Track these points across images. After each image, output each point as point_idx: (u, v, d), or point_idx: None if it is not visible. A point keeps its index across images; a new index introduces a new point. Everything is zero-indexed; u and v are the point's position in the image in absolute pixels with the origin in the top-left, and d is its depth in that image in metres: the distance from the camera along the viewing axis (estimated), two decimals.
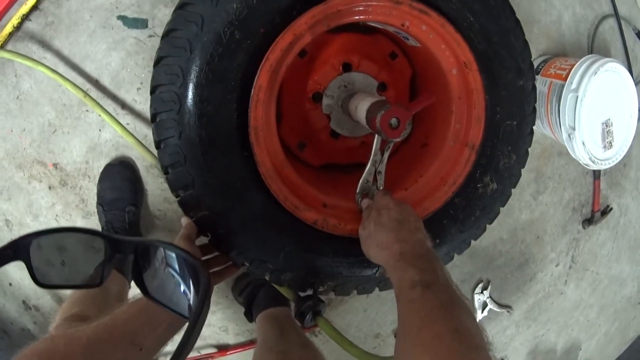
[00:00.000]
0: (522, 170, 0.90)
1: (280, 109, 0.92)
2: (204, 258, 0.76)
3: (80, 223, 1.05)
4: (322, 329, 0.85)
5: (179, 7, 0.70)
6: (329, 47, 0.93)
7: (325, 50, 0.93)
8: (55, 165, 1.01)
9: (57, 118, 0.98)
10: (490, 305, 1.35)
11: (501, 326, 1.41)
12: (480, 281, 1.33)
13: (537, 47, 1.23)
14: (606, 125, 1.11)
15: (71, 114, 0.98)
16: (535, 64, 1.22)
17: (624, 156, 1.15)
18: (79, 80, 0.96)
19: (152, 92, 0.71)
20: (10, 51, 0.90)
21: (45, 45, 0.95)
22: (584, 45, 1.27)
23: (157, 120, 0.71)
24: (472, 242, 0.91)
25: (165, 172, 0.73)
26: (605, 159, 1.13)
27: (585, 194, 1.37)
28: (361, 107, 0.83)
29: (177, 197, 0.74)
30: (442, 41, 0.82)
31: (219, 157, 0.72)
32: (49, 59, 0.95)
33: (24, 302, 1.09)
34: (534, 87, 0.86)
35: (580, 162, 1.12)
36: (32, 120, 0.97)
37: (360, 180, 0.84)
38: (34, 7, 0.91)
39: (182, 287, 0.44)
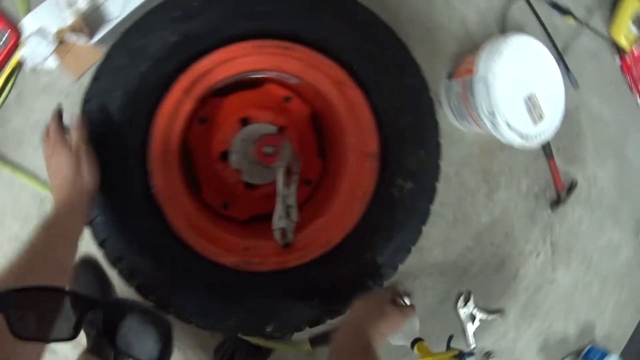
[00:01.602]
0: (468, 174, 0.99)
1: (199, 175, 1.00)
2: None
3: None
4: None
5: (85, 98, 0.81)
6: (225, 108, 1.00)
7: (222, 112, 1.00)
8: None
9: (21, 230, 1.07)
10: (479, 315, 1.31)
11: (499, 332, 1.36)
12: (459, 294, 1.29)
13: (446, 53, 1.22)
14: (530, 100, 1.09)
15: (33, 224, 1.04)
16: (447, 70, 1.21)
17: (574, 126, 1.11)
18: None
19: None
20: None
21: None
22: (496, 34, 1.26)
23: None
24: (438, 255, 1.02)
25: (102, 248, 0.81)
26: (540, 132, 1.10)
27: (544, 177, 1.34)
28: None
29: (118, 272, 0.81)
30: (315, 69, 0.87)
31: (132, 220, 0.81)
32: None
33: None
34: (424, 82, 0.89)
35: (514, 144, 1.09)
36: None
37: (273, 219, 0.88)
38: None
39: (147, 337, 0.49)
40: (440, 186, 1.22)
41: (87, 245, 0.79)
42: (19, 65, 1.05)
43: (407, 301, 0.89)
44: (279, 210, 0.89)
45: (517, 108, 1.08)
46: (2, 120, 1.06)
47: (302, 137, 1.03)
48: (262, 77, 0.99)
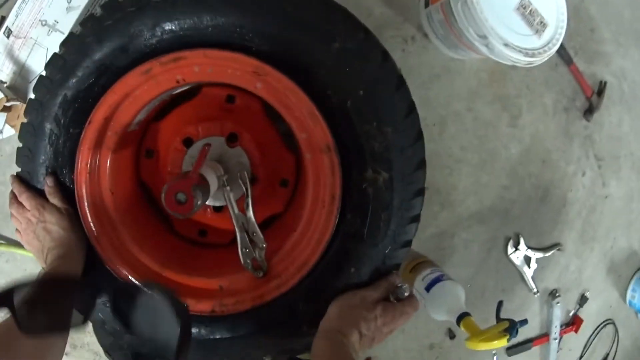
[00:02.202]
0: (484, 108, 0.84)
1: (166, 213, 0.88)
2: None
3: None
4: None
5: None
6: (164, 133, 0.90)
7: (163, 138, 0.90)
8: None
9: None
10: (534, 256, 1.17)
11: (561, 266, 1.23)
12: (507, 239, 1.16)
13: None
14: (524, 8, 0.91)
15: None
16: None
17: (584, 21, 0.94)
18: None
19: None
20: None
21: None
22: None
23: None
24: (472, 203, 0.94)
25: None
26: (547, 41, 0.93)
27: (568, 86, 1.17)
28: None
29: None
30: (228, 67, 0.73)
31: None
32: None
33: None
34: (366, 40, 0.71)
35: (522, 65, 0.93)
36: None
37: (239, 251, 0.79)
38: None
39: (166, 322, 0.46)
40: (454, 128, 1.09)
41: None
42: None
43: (406, 293, 0.77)
44: (241, 242, 0.79)
45: (511, 22, 0.89)
46: None
47: (260, 136, 0.88)
48: (192, 86, 0.86)
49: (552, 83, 1.15)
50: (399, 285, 0.77)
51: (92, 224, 0.80)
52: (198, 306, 0.80)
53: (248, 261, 0.80)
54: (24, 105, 0.97)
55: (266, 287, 0.80)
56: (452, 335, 1.16)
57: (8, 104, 0.99)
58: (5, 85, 0.98)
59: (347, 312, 0.72)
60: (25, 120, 0.79)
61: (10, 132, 1.03)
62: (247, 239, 0.79)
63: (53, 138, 0.78)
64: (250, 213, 0.79)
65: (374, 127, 0.72)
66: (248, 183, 0.80)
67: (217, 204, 0.89)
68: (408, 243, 0.79)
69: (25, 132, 0.79)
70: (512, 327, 0.80)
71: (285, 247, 0.82)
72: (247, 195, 0.80)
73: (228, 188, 0.79)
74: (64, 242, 0.75)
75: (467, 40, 0.94)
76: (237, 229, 0.79)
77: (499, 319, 0.84)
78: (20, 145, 0.80)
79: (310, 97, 0.72)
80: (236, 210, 0.79)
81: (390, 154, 0.73)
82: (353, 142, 0.73)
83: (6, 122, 1.02)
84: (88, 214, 0.80)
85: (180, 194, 0.69)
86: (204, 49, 0.72)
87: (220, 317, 0.80)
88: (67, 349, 1.05)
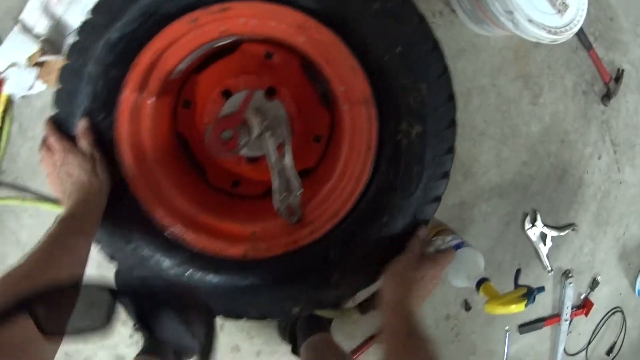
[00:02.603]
0: (506, 83, 0.83)
1: (203, 161, 0.95)
2: None
3: None
4: None
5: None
6: (203, 85, 0.91)
7: (202, 89, 0.91)
8: None
9: None
10: (550, 233, 1.20)
11: (576, 247, 1.25)
12: (525, 215, 1.18)
13: None
14: None
15: None
16: None
17: (604, 9, 0.99)
18: None
19: None
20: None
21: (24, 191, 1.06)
22: None
23: None
24: (494, 177, 0.91)
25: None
26: (569, 22, 0.97)
27: (588, 71, 1.21)
28: None
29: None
30: (267, 20, 0.77)
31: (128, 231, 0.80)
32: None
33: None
34: (403, 3, 0.75)
35: (544, 41, 0.97)
36: None
37: (273, 196, 0.80)
38: None
39: (190, 326, 0.46)
40: (479, 101, 1.12)
41: None
42: (10, 101, 1.05)
43: (443, 243, 0.79)
44: (277, 187, 0.80)
45: (535, 0, 0.96)
46: (13, 156, 1.06)
47: (298, 92, 0.91)
48: (233, 41, 0.89)
49: (573, 66, 1.19)
50: (437, 239, 0.79)
51: (130, 164, 0.80)
52: (230, 250, 0.80)
53: (282, 208, 0.81)
54: (57, 61, 1.01)
55: (300, 233, 0.81)
56: (467, 307, 1.18)
57: (41, 60, 1.01)
58: (41, 39, 1.00)
59: (400, 280, 0.73)
60: (65, 63, 0.80)
61: (41, 87, 1.04)
62: (284, 185, 0.81)
63: (93, 80, 0.78)
64: (289, 159, 0.81)
65: (410, 82, 0.75)
66: (290, 129, 0.82)
67: (254, 153, 0.91)
68: (438, 199, 0.81)
69: (65, 74, 0.79)
70: (529, 293, 0.81)
71: (318, 196, 0.83)
72: (287, 142, 0.82)
73: (268, 134, 0.81)
74: (84, 186, 0.74)
75: (492, 15, 0.98)
76: (274, 175, 0.81)
77: (517, 286, 0.85)
78: (58, 87, 0.80)
79: (351, 52, 0.75)
80: (275, 157, 0.81)
81: (424, 109, 0.76)
82: (389, 95, 0.76)
83: (39, 77, 1.03)
84: (127, 154, 0.80)
85: (227, 131, 0.72)
86: (251, 1, 0.76)
87: (251, 263, 0.80)
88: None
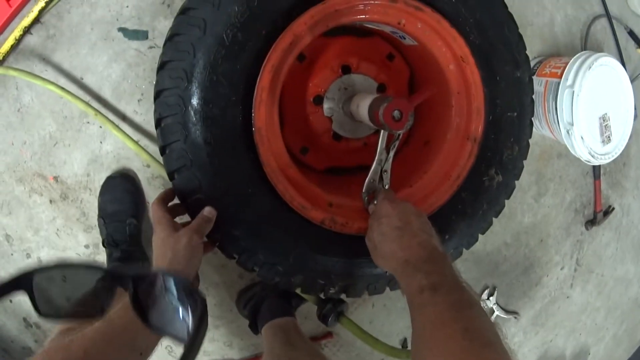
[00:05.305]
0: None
1: (283, 114, 0.92)
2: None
3: (81, 237, 1.04)
4: (346, 328, 0.88)
5: (181, 13, 0.71)
6: (327, 50, 0.94)
7: (324, 53, 0.94)
8: (55, 179, 1.00)
9: (58, 130, 0.98)
10: (497, 312, 1.33)
11: (509, 333, 1.40)
12: (486, 287, 1.32)
13: (531, 49, 1.23)
14: (603, 120, 1.12)
15: (72, 126, 0.98)
16: (531, 65, 1.23)
17: (623, 155, 1.16)
18: (80, 92, 0.96)
19: (156, 97, 0.71)
20: (10, 68, 0.91)
21: (46, 58, 0.95)
22: (577, 45, 1.29)
23: (162, 124, 0.71)
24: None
25: (171, 178, 0.73)
26: (605, 153, 1.14)
27: (587, 195, 1.37)
28: (363, 105, 0.83)
29: (183, 201, 0.74)
30: (438, 37, 0.83)
31: (225, 159, 0.72)
32: (50, 72, 0.95)
33: (24, 319, 1.07)
34: (531, 79, 0.88)
35: (582, 159, 1.12)
36: (33, 133, 0.97)
37: (367, 179, 0.83)
38: (36, 20, 0.91)
39: (181, 312, 0.45)
40: None
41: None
42: None
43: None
44: (372, 174, 0.83)
45: (592, 125, 1.10)
46: (61, 12, 0.93)
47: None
48: (372, 28, 0.94)
49: (578, 185, 1.35)
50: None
51: (262, 89, 0.74)
52: (312, 212, 0.79)
53: (366, 193, 0.84)
54: None
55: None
56: None
57: None
58: None
59: (409, 230, 0.70)
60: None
61: None
62: (378, 174, 0.84)
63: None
64: (392, 154, 0.84)
65: (510, 141, 0.89)
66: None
67: (344, 133, 0.95)
68: (477, 238, 0.91)
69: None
70: None
71: (398, 195, 0.85)
72: (398, 138, 0.85)
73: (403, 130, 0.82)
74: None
75: (552, 117, 1.13)
76: (375, 161, 0.83)
77: None
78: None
79: (484, 97, 0.86)
80: (383, 145, 0.83)
81: (510, 164, 0.89)
82: (493, 144, 0.87)
83: None
84: (262, 82, 0.73)
85: (398, 112, 0.76)
86: (438, 14, 0.80)
87: (325, 232, 0.80)
88: (57, 198, 0.98)
